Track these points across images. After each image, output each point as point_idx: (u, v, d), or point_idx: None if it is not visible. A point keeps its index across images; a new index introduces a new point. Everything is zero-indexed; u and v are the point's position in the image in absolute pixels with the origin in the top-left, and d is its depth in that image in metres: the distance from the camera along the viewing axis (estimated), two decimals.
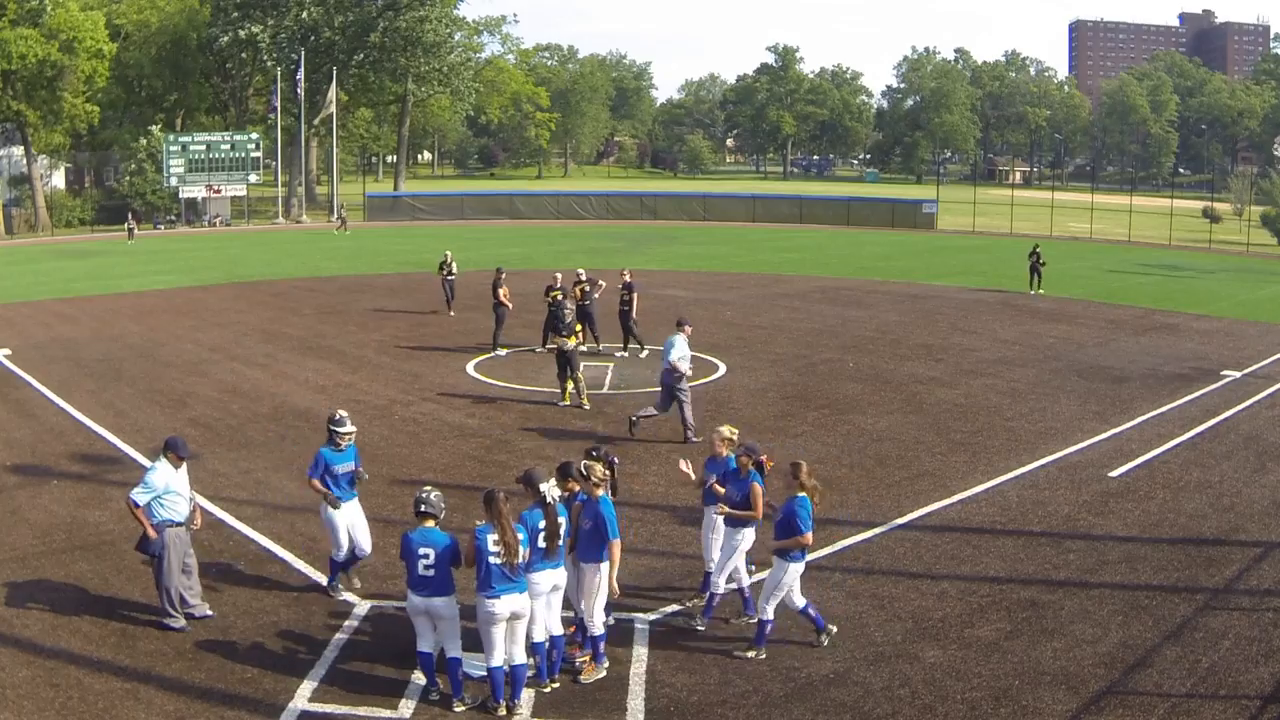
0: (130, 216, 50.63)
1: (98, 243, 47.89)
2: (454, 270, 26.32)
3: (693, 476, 9.57)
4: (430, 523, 7.82)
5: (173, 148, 56.61)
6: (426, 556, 7.64)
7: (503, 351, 21.08)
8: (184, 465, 9.21)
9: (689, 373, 14.71)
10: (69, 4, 53.60)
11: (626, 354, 20.85)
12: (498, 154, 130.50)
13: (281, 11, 62.33)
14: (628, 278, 21.45)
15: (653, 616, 9.28)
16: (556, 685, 8.06)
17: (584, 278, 21.09)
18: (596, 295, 20.97)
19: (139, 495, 8.87)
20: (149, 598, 9.48)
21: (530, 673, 7.96)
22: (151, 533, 8.85)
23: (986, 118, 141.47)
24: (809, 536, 8.46)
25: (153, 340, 22.55)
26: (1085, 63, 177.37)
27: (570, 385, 16.79)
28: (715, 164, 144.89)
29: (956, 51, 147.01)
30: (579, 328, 17.54)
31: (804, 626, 9.15)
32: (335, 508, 9.37)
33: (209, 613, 9.12)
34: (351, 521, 9.52)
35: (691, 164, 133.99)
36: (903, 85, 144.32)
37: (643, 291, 22.30)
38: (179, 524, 9.01)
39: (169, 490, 8.95)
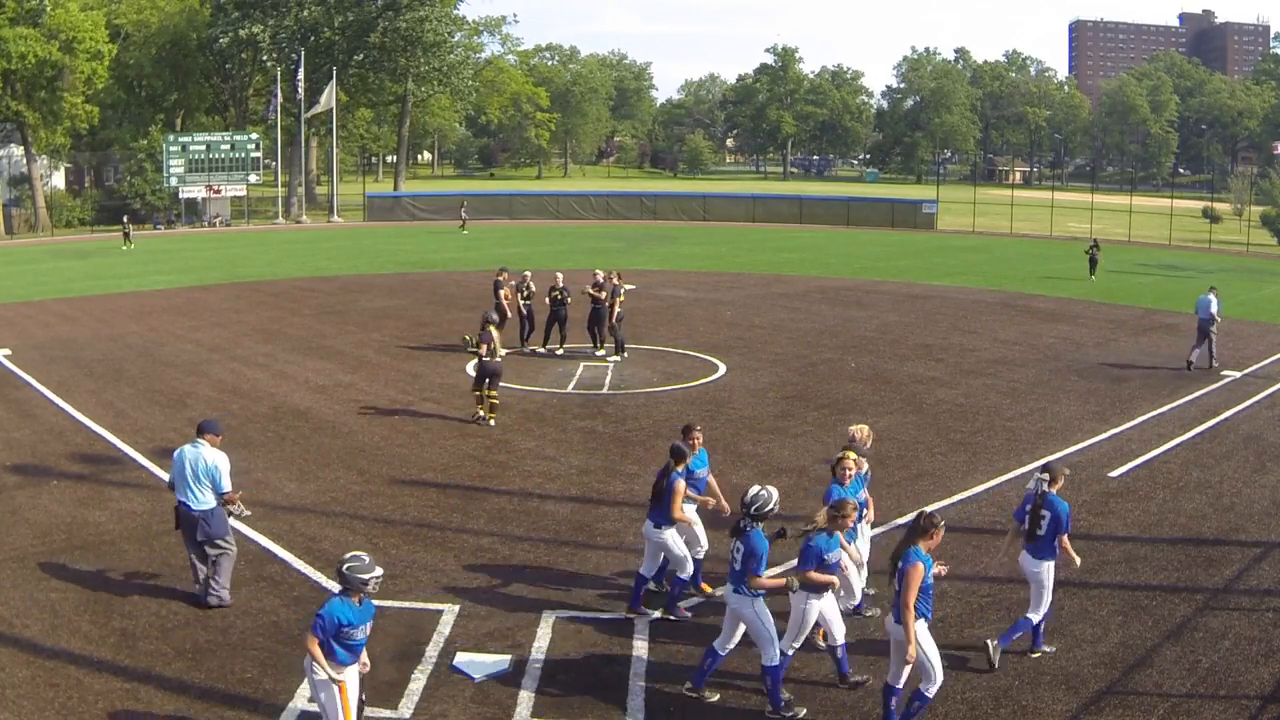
0: (125, 220, 48.43)
1: (97, 243, 47.85)
2: (532, 290, 21.78)
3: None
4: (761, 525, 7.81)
5: (173, 148, 56.57)
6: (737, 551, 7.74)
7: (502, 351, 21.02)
8: None
9: (1220, 319, 21.09)
10: (69, 4, 53.57)
11: (620, 358, 20.64)
12: (498, 154, 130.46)
13: (281, 11, 62.24)
14: (599, 278, 21.26)
15: (653, 616, 9.28)
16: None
17: (600, 279, 21.00)
18: (604, 296, 20.81)
19: (228, 482, 9.40)
20: (149, 597, 9.52)
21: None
22: (242, 509, 9.67)
23: (986, 118, 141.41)
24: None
25: (153, 340, 22.55)
26: (1085, 63, 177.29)
27: (488, 397, 15.67)
28: (715, 164, 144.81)
29: (956, 51, 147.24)
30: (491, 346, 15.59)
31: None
32: None
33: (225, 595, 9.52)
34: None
35: (691, 164, 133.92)
36: (903, 85, 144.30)
37: (643, 291, 22.26)
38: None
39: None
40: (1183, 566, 10.59)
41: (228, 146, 58.12)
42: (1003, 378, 19.52)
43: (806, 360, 20.93)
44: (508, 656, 8.42)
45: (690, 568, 9.25)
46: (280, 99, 59.30)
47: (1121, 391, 18.52)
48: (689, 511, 9.34)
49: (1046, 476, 8.60)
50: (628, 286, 22.63)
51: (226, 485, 9.34)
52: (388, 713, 7.63)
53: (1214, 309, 21.00)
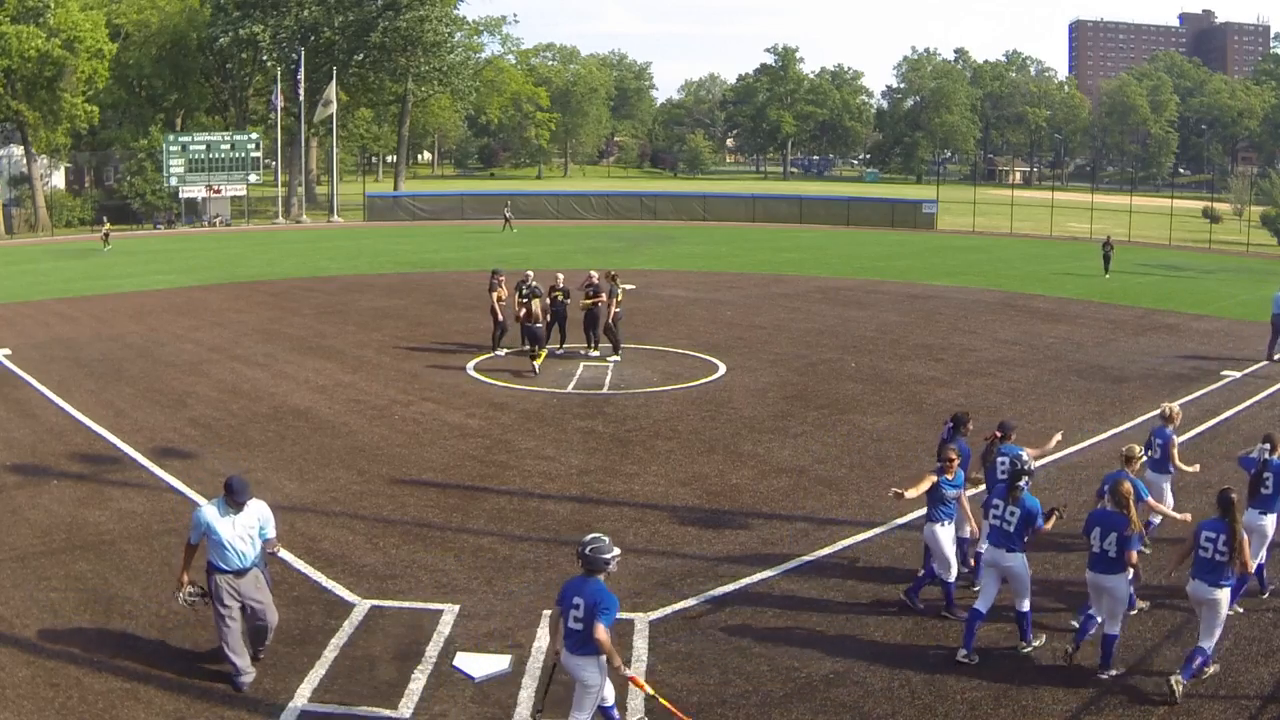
0: (105, 221, 46.88)
1: (97, 243, 47.82)
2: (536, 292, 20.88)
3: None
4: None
5: (173, 148, 56.57)
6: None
7: (502, 352, 21.07)
8: (245, 508, 8.11)
9: None
10: (69, 4, 53.56)
11: (617, 358, 20.60)
12: (498, 154, 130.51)
13: (281, 11, 62.27)
14: (595, 279, 21.17)
15: (653, 616, 9.28)
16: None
17: (595, 280, 20.98)
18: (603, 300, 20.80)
19: (191, 535, 8.17)
20: (149, 598, 9.52)
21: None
22: (183, 579, 8.22)
23: (986, 118, 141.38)
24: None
25: (153, 340, 22.55)
26: (1085, 63, 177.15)
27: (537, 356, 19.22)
28: (715, 164, 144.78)
29: (956, 51, 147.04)
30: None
31: (803, 624, 9.18)
32: None
33: (250, 676, 8.10)
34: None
35: (691, 164, 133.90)
36: (903, 85, 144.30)
37: (643, 291, 22.25)
38: (227, 571, 8.03)
39: (211, 532, 8.03)
40: (1182, 566, 10.55)
41: (228, 146, 58.10)
42: (1003, 378, 19.51)
43: (806, 360, 20.93)
44: (508, 656, 8.42)
45: (954, 572, 9.43)
46: (281, 100, 59.30)
47: (1121, 391, 18.51)
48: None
49: (1268, 445, 9.80)
50: (627, 286, 22.63)
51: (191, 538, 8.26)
52: (388, 712, 7.64)
53: None
